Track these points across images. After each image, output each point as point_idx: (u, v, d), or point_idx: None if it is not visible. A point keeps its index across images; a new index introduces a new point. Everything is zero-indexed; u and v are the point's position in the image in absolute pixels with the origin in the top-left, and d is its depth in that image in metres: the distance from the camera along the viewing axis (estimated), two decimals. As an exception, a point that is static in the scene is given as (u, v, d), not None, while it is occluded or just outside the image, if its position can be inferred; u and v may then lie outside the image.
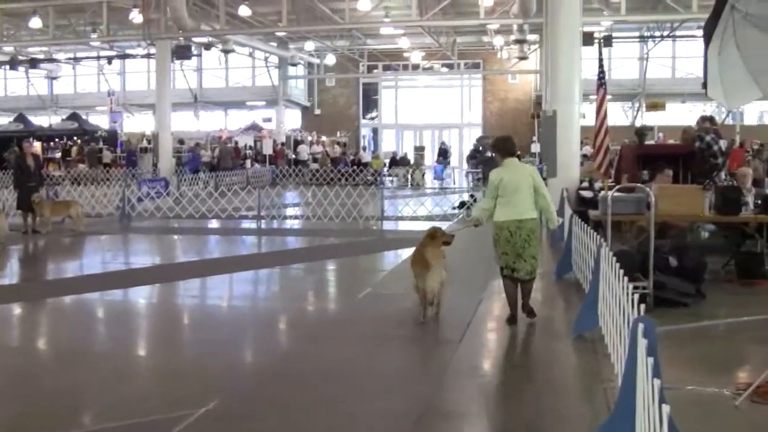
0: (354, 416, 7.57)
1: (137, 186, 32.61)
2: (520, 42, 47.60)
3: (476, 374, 9.19)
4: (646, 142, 21.42)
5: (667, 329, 9.57)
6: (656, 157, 17.69)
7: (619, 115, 53.85)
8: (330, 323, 11.96)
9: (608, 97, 17.42)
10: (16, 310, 13.50)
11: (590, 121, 20.10)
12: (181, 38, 42.81)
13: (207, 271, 16.90)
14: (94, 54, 56.31)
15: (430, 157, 57.58)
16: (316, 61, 60.48)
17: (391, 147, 59.43)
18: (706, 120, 19.54)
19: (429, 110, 61.49)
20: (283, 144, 53.97)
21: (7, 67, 54.24)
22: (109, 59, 53.79)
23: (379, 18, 43.22)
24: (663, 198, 12.89)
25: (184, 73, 59.01)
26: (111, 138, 53.34)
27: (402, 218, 26.10)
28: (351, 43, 55.40)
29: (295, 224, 26.29)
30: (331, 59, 57.65)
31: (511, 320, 11.37)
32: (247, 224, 25.79)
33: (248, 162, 48.72)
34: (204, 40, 47.45)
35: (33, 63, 52.90)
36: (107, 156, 50.09)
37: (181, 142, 50.89)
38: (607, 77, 17.80)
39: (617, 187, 14.07)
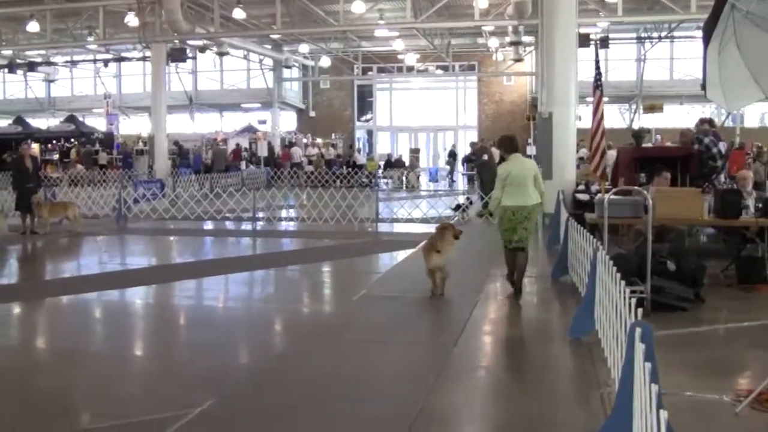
0: (348, 420, 7.52)
1: (133, 187, 32.66)
2: (516, 44, 47.71)
3: (471, 378, 9.14)
4: (644, 145, 21.34)
5: (665, 334, 9.54)
6: (654, 160, 17.67)
7: (616, 117, 53.92)
8: (325, 325, 11.91)
9: (605, 99, 17.43)
10: (14, 309, 13.51)
11: (586, 123, 20.09)
12: (177, 41, 42.90)
13: (202, 272, 16.90)
14: (91, 57, 56.44)
15: (425, 160, 57.69)
16: (310, 63, 60.60)
17: (386, 149, 59.45)
18: (705, 122, 19.55)
19: (424, 112, 61.55)
20: (288, 145, 53.97)
21: (6, 70, 54.25)
22: (106, 62, 53.97)
23: (374, 20, 43.22)
24: (661, 201, 12.85)
25: (179, 76, 59.06)
26: (107, 140, 53.45)
27: (397, 220, 26.04)
28: (345, 45, 55.45)
29: (290, 226, 26.23)
30: (325, 61, 57.75)
31: (509, 277, 13.79)
32: (242, 226, 25.74)
33: (243, 164, 48.65)
34: (199, 42, 47.54)
35: (31, 66, 52.92)
36: (103, 158, 50.15)
37: (177, 144, 50.88)
38: (603, 79, 17.84)
39: (614, 189, 14.00)
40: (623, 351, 6.49)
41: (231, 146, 51.80)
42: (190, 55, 48.89)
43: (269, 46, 56.29)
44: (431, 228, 20.75)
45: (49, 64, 56.30)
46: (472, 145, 42.25)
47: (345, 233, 23.12)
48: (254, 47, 54.31)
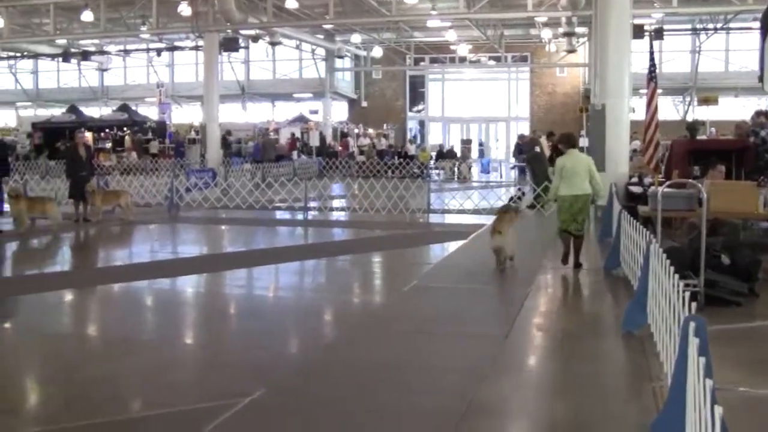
0: (397, 411, 7.50)
1: (185, 176, 32.82)
2: (569, 35, 47.46)
3: (522, 371, 9.11)
4: (698, 137, 21.16)
5: (718, 328, 9.44)
6: (708, 153, 17.51)
7: (669, 109, 53.48)
8: (375, 316, 11.90)
9: (659, 91, 17.27)
10: (67, 296, 13.63)
11: (640, 115, 19.95)
12: (229, 30, 43.10)
13: (253, 261, 16.98)
14: (144, 46, 56.99)
15: (477, 150, 57.58)
16: (362, 53, 60.61)
17: (438, 140, 59.35)
18: (762, 114, 19.30)
19: (476, 103, 61.37)
20: (342, 135, 54.06)
21: (60, 59, 54.88)
22: (159, 51, 54.39)
23: (426, 10, 43.19)
24: (715, 194, 12.71)
25: (231, 65, 59.45)
26: (160, 129, 53.79)
27: (448, 211, 25.99)
28: (398, 35, 55.41)
29: (341, 216, 26.24)
30: (377, 52, 57.72)
31: (565, 260, 15.26)
32: (293, 216, 25.78)
33: (295, 153, 48.73)
34: (251, 32, 47.70)
35: (85, 55, 53.55)
36: (154, 146, 50.43)
37: (229, 133, 51.10)
38: (657, 71, 17.68)
39: (668, 182, 13.87)
40: (676, 345, 6.43)
41: (282, 135, 51.87)
42: (242, 44, 49.12)
43: (321, 36, 56.40)
44: (482, 219, 20.81)
45: (102, 53, 56.89)
46: (521, 137, 42.16)
47: (396, 224, 23.12)
48: (307, 37, 54.45)
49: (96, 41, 55.07)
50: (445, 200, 27.80)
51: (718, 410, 4.43)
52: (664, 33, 43.61)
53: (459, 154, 50.60)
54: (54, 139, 51.13)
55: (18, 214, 20.87)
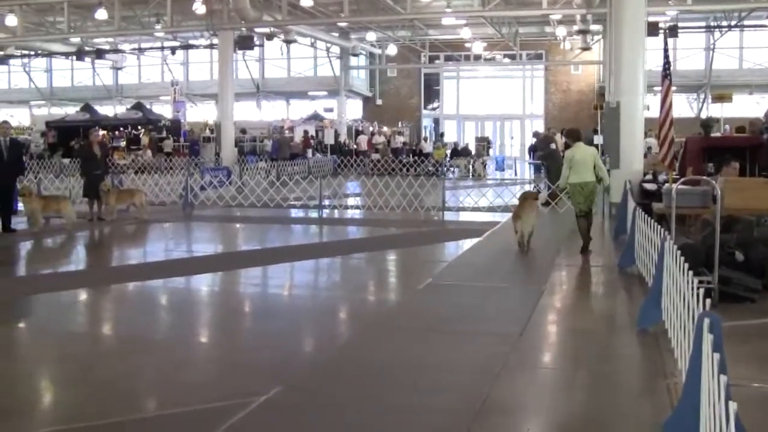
0: (412, 410, 7.50)
1: (200, 175, 32.88)
2: (583, 32, 47.35)
3: (537, 368, 9.12)
4: (712, 134, 21.11)
5: (732, 325, 9.43)
6: (722, 150, 17.48)
7: (684, 106, 53.32)
8: (390, 314, 11.90)
9: (673, 88, 17.25)
10: (82, 296, 13.65)
11: (654, 112, 19.91)
12: (244, 29, 43.07)
13: (268, 259, 17.02)
14: (158, 44, 57.04)
15: (491, 148, 57.52)
16: (377, 51, 60.58)
17: (453, 137, 59.32)
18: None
19: (491, 101, 61.31)
20: (374, 134, 54.10)
21: (74, 57, 55.00)
22: (173, 50, 54.48)
23: (441, 8, 43.11)
24: (729, 191, 12.70)
25: (246, 63, 59.49)
26: (174, 127, 53.86)
27: (463, 209, 26.02)
28: (412, 33, 55.42)
29: (356, 214, 26.27)
30: (392, 49, 57.67)
31: (584, 250, 16.78)
32: (308, 214, 25.82)
33: (310, 152, 48.75)
34: (266, 30, 47.71)
35: (99, 53, 53.61)
36: (168, 145, 50.52)
37: (244, 131, 51.16)
38: (672, 68, 17.64)
39: (682, 179, 13.86)
40: (690, 342, 6.44)
41: (297, 134, 51.91)
42: (257, 42, 49.06)
43: (336, 34, 56.39)
44: (497, 217, 20.82)
45: (116, 51, 56.98)
46: (536, 134, 42.09)
47: (411, 222, 23.14)
48: (321, 35, 54.43)
49: (110, 39, 55.15)
50: (459, 198, 27.85)
51: (733, 406, 4.44)
52: (679, 30, 43.50)
53: (473, 152, 50.54)
54: (68, 138, 51.32)
55: (31, 213, 20.89)
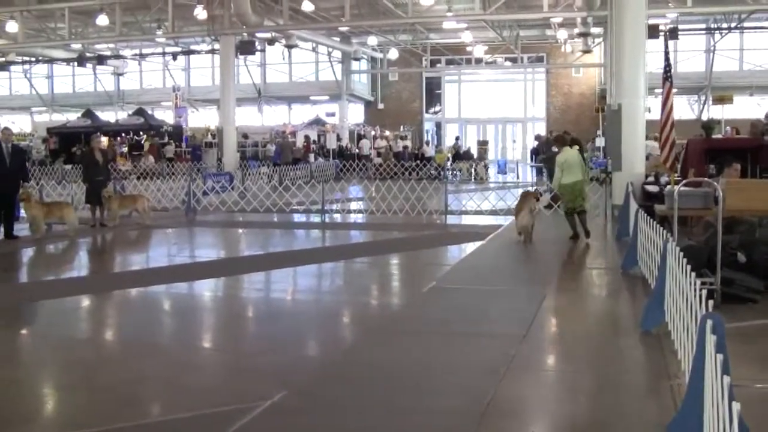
0: (417, 413, 7.52)
1: (202, 180, 32.90)
2: (584, 35, 47.45)
3: (541, 370, 9.14)
4: (713, 136, 21.14)
5: (735, 326, 9.46)
6: (723, 151, 17.51)
7: (685, 108, 53.34)
8: (394, 318, 11.92)
9: (674, 90, 17.27)
10: (85, 302, 13.63)
11: (656, 114, 19.93)
12: (245, 34, 43.14)
13: (271, 264, 17.00)
14: (160, 50, 57.08)
15: (493, 152, 57.58)
16: (379, 55, 60.69)
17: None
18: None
19: (492, 104, 61.36)
20: (375, 138, 54.23)
21: (75, 63, 55.03)
22: (174, 55, 54.55)
23: (442, 12, 43.26)
24: (731, 192, 12.70)
25: (248, 69, 59.59)
26: (176, 133, 53.93)
27: (466, 212, 26.02)
28: (414, 37, 55.50)
29: (358, 218, 26.29)
30: (394, 54, 57.79)
31: (575, 237, 19.11)
32: (310, 218, 25.84)
33: (312, 156, 48.78)
34: (267, 35, 47.83)
35: (100, 59, 53.66)
36: (169, 150, 50.56)
37: (246, 136, 51.21)
38: (672, 70, 17.65)
39: (684, 181, 13.88)
40: (694, 343, 6.46)
41: (298, 139, 51.94)
42: (258, 47, 49.14)
43: (338, 39, 56.46)
44: (500, 220, 20.84)
45: (118, 57, 57.03)
46: (538, 137, 42.14)
47: (413, 225, 23.17)
48: (323, 39, 54.50)
49: (111, 45, 55.27)
50: (462, 201, 27.81)
51: (736, 406, 4.47)
52: (679, 33, 43.56)
53: (475, 155, 50.59)
54: (70, 144, 51.31)
55: (33, 219, 20.88)
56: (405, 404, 7.73)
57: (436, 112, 64.37)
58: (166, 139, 52.66)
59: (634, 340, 10.11)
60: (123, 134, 54.44)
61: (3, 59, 55.12)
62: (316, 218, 25.49)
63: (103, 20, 40.98)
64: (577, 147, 21.48)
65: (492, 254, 17.94)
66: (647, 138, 24.24)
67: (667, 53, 17.82)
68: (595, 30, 47.59)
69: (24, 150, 28.23)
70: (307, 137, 51.43)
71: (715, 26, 50.84)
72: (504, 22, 47.69)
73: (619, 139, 22.19)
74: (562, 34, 50.36)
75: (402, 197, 25.57)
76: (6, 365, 9.60)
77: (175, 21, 40.98)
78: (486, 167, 47.00)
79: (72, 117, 60.39)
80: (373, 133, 55.62)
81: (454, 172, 46.73)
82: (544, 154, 29.36)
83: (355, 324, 11.99)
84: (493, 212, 24.67)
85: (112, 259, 19.60)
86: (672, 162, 17.15)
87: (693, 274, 7.68)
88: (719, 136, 23.92)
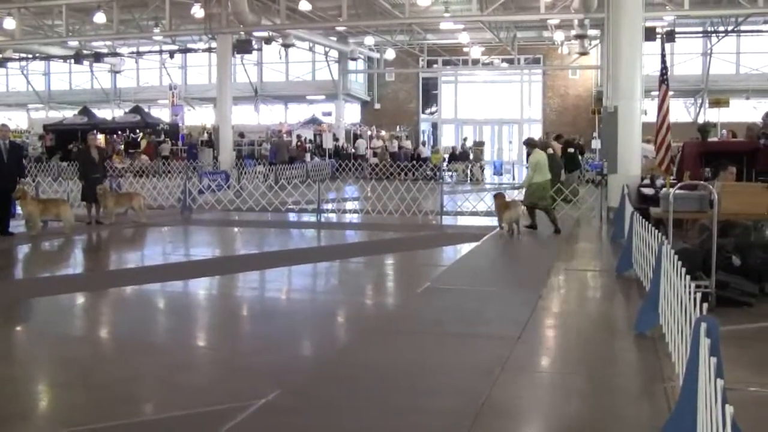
0: (411, 413, 7.53)
1: (198, 178, 32.88)
2: (581, 37, 47.36)
3: (535, 372, 9.14)
4: (709, 139, 21.16)
5: (729, 329, 9.47)
6: (719, 154, 17.51)
7: (681, 111, 53.34)
8: (388, 318, 11.93)
9: (670, 93, 17.28)
10: (80, 299, 13.63)
11: (652, 117, 19.95)
12: (242, 32, 43.07)
13: (266, 263, 16.99)
14: (157, 48, 57.09)
15: (489, 153, 57.57)
16: (375, 55, 60.60)
17: (451, 142, 59.34)
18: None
19: (489, 105, 61.34)
20: (372, 138, 54.20)
21: (72, 61, 54.90)
22: (171, 53, 54.51)
23: (439, 13, 43.22)
24: (726, 196, 12.73)
25: (244, 67, 59.55)
26: (172, 131, 53.86)
27: (461, 213, 26.04)
28: (411, 37, 55.41)
29: (354, 218, 26.29)
30: (390, 54, 57.68)
31: (533, 227, 21.10)
32: (306, 217, 25.83)
33: (308, 155, 48.76)
34: (264, 34, 47.73)
35: (97, 57, 53.60)
36: (165, 149, 50.51)
37: (242, 135, 51.18)
38: (669, 73, 17.67)
39: (679, 184, 13.89)
40: (688, 345, 6.47)
41: (294, 138, 51.92)
42: (255, 46, 49.04)
43: (335, 38, 56.41)
44: (495, 221, 20.86)
45: (115, 55, 56.99)
46: (529, 141, 42.18)
47: (409, 226, 23.18)
48: (320, 39, 54.48)
49: (108, 43, 55.23)
50: (457, 202, 27.83)
51: (729, 410, 4.48)
52: (676, 35, 43.54)
53: (471, 156, 50.59)
54: (66, 141, 51.22)
55: (29, 216, 20.89)
56: (399, 404, 7.74)
57: (432, 113, 64.35)
58: (162, 137, 52.59)
59: (628, 342, 10.13)
60: (119, 132, 54.36)
61: (0, 56, 55.00)
62: (311, 218, 25.48)
63: (100, 18, 40.88)
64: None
65: (487, 255, 17.98)
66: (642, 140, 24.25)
67: (663, 56, 17.86)
68: (592, 32, 47.57)
69: (21, 146, 28.20)
70: (299, 137, 51.40)
71: (712, 29, 50.89)
72: (501, 24, 47.67)
73: (615, 141, 22.24)
74: (559, 35, 50.33)
75: (398, 198, 25.57)
76: (1, 362, 9.61)
77: (172, 19, 40.87)
78: (482, 168, 46.99)
79: (68, 114, 60.27)
80: (369, 133, 55.56)
81: (450, 173, 46.72)
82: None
83: (349, 324, 11.99)
84: (489, 213, 24.63)
85: (108, 256, 19.60)
86: (668, 165, 17.17)
87: (688, 276, 7.70)
88: (715, 139, 23.96)
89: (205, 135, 51.74)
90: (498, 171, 49.98)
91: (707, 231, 12.36)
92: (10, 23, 41.52)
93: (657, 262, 10.04)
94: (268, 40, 49.37)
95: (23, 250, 19.57)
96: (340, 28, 51.78)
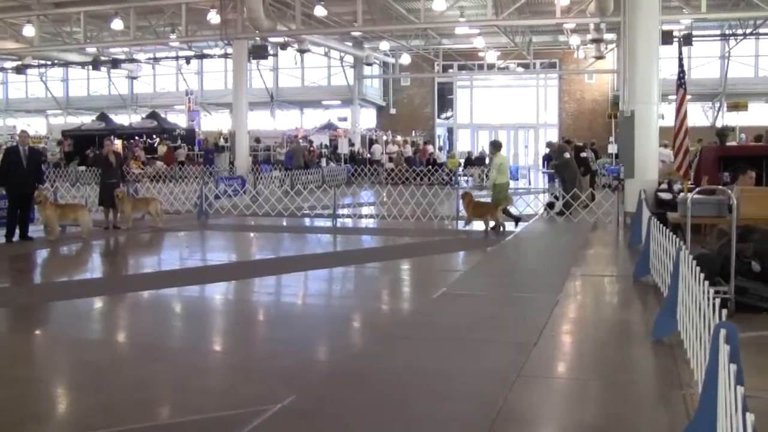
0: (428, 418, 7.50)
1: (215, 184, 32.91)
2: (597, 41, 47.30)
3: (551, 378, 9.10)
4: (728, 143, 21.09)
5: (749, 335, 9.41)
6: (738, 159, 17.43)
7: (699, 115, 53.22)
8: (404, 323, 11.89)
9: (688, 97, 17.20)
10: (97, 304, 13.64)
11: (669, 121, 19.88)
12: (258, 38, 43.12)
13: (282, 268, 17.01)
14: (173, 54, 57.25)
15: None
16: (391, 60, 60.61)
17: (467, 147, 59.34)
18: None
19: (504, 110, 61.32)
20: (387, 143, 54.19)
21: (90, 67, 55.14)
22: (188, 59, 54.58)
23: (454, 17, 43.20)
24: (745, 200, 12.67)
25: (260, 73, 59.65)
26: (189, 136, 54.05)
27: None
28: (426, 42, 55.47)
29: (370, 223, 26.26)
30: (406, 59, 57.77)
31: (499, 229, 21.67)
32: (322, 222, 25.81)
33: (324, 161, 48.78)
34: (280, 39, 47.81)
35: (114, 63, 53.76)
36: (181, 154, 50.65)
37: (258, 140, 51.26)
38: (686, 77, 17.59)
39: (697, 189, 13.81)
40: (707, 352, 6.41)
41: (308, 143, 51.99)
42: (271, 52, 49.17)
43: (350, 44, 56.53)
44: (511, 227, 20.78)
45: (132, 61, 57.13)
46: (550, 144, 42.09)
47: (425, 231, 23.14)
48: (335, 44, 54.55)
49: (125, 49, 55.42)
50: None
51: (750, 417, 4.42)
52: (693, 39, 43.43)
53: (487, 161, 50.52)
54: (84, 147, 51.49)
55: (47, 220, 20.93)
56: (415, 410, 7.70)
57: (447, 118, 64.37)
58: (179, 142, 52.75)
59: (645, 348, 10.06)
60: (136, 137, 54.54)
61: (19, 63, 55.17)
62: (327, 223, 25.46)
63: (117, 24, 41.07)
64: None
65: (503, 261, 17.94)
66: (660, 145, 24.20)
67: (681, 59, 17.77)
68: (608, 36, 47.48)
69: (40, 152, 28.33)
70: (310, 142, 51.41)
71: (730, 32, 50.71)
72: (516, 28, 47.68)
73: (631, 145, 22.14)
74: (574, 39, 50.34)
75: (413, 202, 25.54)
76: (20, 365, 9.65)
77: (188, 25, 40.96)
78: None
79: (86, 120, 60.63)
80: (384, 138, 55.56)
81: (466, 177, 46.64)
82: (556, 161, 29.27)
83: (365, 329, 11.95)
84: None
85: (125, 261, 19.67)
86: (686, 169, 17.09)
87: (706, 282, 7.64)
88: (734, 143, 23.88)
89: (221, 140, 51.85)
90: (514, 176, 49.87)
91: (726, 236, 12.27)
92: (29, 30, 41.73)
93: (675, 267, 9.96)
94: (283, 46, 49.48)
95: (42, 254, 19.59)
96: (355, 34, 51.92)
